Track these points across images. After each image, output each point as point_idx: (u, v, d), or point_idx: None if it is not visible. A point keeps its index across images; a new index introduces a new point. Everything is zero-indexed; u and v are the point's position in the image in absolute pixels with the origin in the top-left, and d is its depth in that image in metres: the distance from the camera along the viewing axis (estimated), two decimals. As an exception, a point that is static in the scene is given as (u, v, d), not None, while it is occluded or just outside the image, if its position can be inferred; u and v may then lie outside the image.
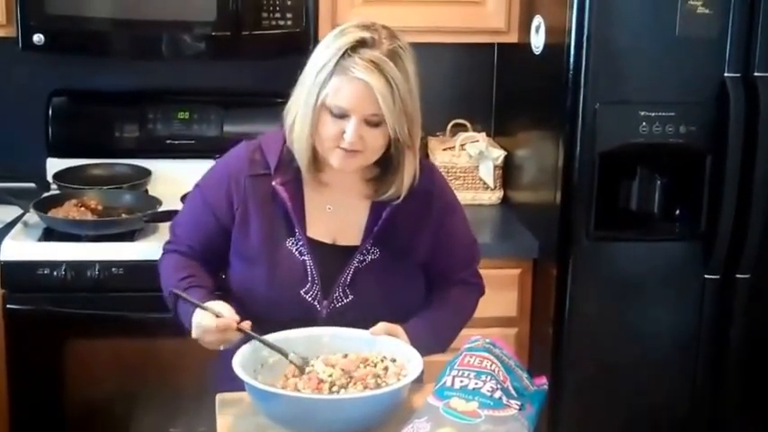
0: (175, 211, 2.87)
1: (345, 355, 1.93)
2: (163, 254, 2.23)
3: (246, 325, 1.94)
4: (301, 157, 2.03)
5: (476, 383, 1.76)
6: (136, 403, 2.77)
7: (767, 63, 2.67)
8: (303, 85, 2.00)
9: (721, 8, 2.64)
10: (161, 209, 2.91)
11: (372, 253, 2.08)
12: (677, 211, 2.82)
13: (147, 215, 2.86)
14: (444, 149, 3.29)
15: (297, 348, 1.94)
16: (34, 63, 3.18)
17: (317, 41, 2.93)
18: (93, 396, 2.80)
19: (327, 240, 2.09)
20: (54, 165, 3.20)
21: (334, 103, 1.95)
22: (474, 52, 3.38)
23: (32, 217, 2.88)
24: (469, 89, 3.46)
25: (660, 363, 2.83)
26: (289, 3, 2.94)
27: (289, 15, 2.95)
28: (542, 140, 2.96)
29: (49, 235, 2.83)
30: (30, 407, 2.80)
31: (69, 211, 2.88)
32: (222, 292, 2.13)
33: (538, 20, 2.93)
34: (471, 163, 3.24)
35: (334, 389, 1.82)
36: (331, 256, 2.07)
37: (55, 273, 2.71)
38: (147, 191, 3.16)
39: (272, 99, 3.24)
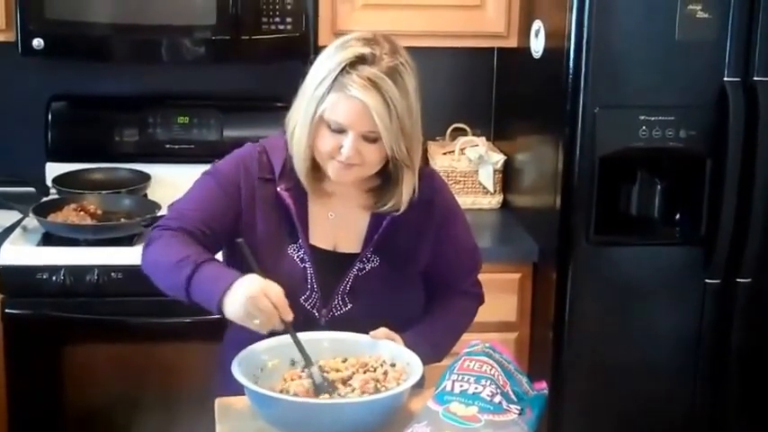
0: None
1: (345, 360, 1.93)
2: (158, 229, 2.06)
3: (289, 321, 1.88)
4: (300, 167, 2.03)
5: (475, 388, 1.75)
6: (135, 408, 2.77)
7: (767, 67, 2.67)
8: (303, 96, 2.00)
9: (721, 12, 2.64)
10: (160, 213, 2.90)
11: (372, 261, 2.08)
12: (677, 216, 2.82)
13: (147, 219, 2.86)
14: (444, 154, 3.29)
15: (297, 353, 1.93)
16: (34, 68, 3.18)
17: (316, 46, 2.97)
18: (93, 401, 2.80)
19: (328, 247, 2.09)
20: (53, 169, 3.20)
21: (331, 118, 1.94)
22: (474, 56, 3.39)
23: (32, 221, 2.89)
24: (469, 93, 3.47)
25: (660, 367, 2.83)
26: (288, 7, 2.95)
27: (288, 20, 2.95)
28: (542, 145, 2.96)
29: (49, 239, 2.83)
30: (29, 412, 2.80)
31: (68, 215, 2.89)
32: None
33: (537, 24, 2.93)
34: (471, 167, 3.24)
35: (323, 396, 1.82)
36: (331, 264, 2.07)
37: (54, 277, 2.71)
38: (146, 195, 3.16)
39: (272, 103, 3.26)
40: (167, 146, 3.26)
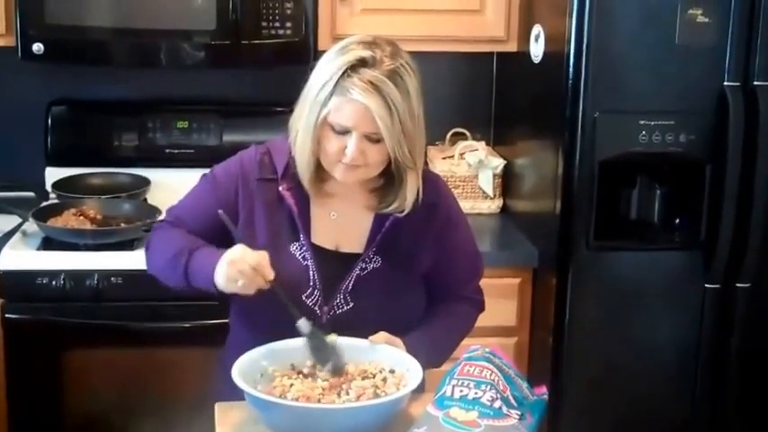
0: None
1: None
2: (155, 230, 2.18)
3: (271, 279, 1.94)
4: (303, 171, 2.04)
5: (475, 393, 1.75)
6: (135, 413, 2.76)
7: (767, 72, 2.67)
8: (305, 101, 2.01)
9: (721, 17, 2.64)
10: (160, 218, 2.90)
11: (374, 261, 2.08)
12: (677, 221, 2.82)
13: (147, 224, 2.85)
14: (444, 158, 3.29)
15: (296, 357, 1.94)
16: (34, 72, 3.18)
17: (316, 51, 2.97)
18: (92, 405, 2.80)
19: (330, 247, 2.10)
20: (53, 174, 3.20)
21: (335, 120, 1.96)
22: (473, 61, 3.39)
23: (31, 226, 2.88)
24: (469, 98, 3.47)
25: (660, 372, 2.83)
26: (288, 12, 2.95)
27: (288, 25, 2.96)
28: (542, 149, 2.96)
29: (48, 244, 2.82)
30: (28, 416, 2.80)
31: (68, 220, 2.88)
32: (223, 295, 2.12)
33: (537, 29, 2.93)
34: (471, 172, 3.24)
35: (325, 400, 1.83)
36: (333, 263, 2.08)
37: (54, 282, 2.71)
38: (146, 200, 3.16)
39: (272, 108, 3.26)
40: (167, 150, 3.27)
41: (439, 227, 2.13)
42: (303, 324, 1.95)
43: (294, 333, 1.97)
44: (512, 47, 3.13)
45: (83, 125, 3.29)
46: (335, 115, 1.95)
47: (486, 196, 3.26)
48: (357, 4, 3.03)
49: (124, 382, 2.79)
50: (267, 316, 2.00)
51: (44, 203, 3.06)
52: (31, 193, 3.14)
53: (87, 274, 2.72)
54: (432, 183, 2.14)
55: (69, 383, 2.79)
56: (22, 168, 3.24)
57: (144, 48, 2.99)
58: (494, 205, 3.27)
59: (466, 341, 2.10)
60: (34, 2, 2.85)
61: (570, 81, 2.69)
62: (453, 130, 3.41)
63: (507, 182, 3.27)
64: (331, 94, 1.94)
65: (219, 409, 1.95)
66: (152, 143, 3.26)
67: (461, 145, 3.30)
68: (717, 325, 2.81)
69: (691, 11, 2.63)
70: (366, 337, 1.98)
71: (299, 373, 1.93)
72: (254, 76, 3.27)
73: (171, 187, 3.15)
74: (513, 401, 1.77)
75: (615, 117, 2.68)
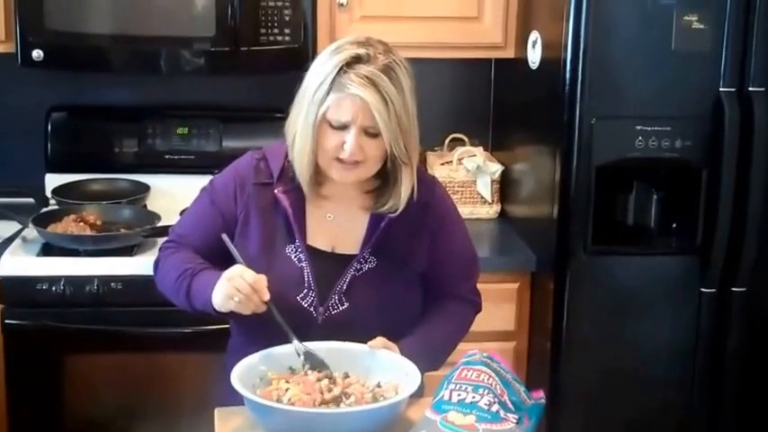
0: (174, 226, 2.89)
1: (347, 376, 1.94)
2: (162, 251, 2.22)
3: (266, 300, 1.96)
4: (302, 173, 2.07)
5: (473, 397, 1.76)
6: (135, 418, 2.77)
7: (762, 78, 2.68)
8: (302, 102, 2.04)
9: (716, 23, 2.66)
10: (160, 224, 2.91)
11: (370, 262, 2.10)
12: (674, 225, 2.83)
13: (146, 230, 2.87)
14: (442, 164, 3.30)
15: (294, 363, 1.95)
16: (33, 79, 3.18)
17: (315, 57, 2.96)
18: (92, 411, 2.80)
19: (326, 248, 2.12)
20: (53, 180, 3.21)
21: (333, 117, 1.99)
22: (471, 67, 3.40)
23: (31, 232, 2.89)
24: (467, 104, 3.48)
25: (657, 376, 2.83)
26: (287, 19, 2.96)
27: (287, 31, 2.97)
28: (539, 155, 2.97)
29: (48, 250, 2.83)
30: (28, 422, 2.80)
31: (68, 226, 2.89)
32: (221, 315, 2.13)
33: (534, 35, 2.95)
34: (469, 177, 3.25)
35: (328, 396, 1.84)
36: (329, 264, 2.09)
37: (54, 288, 2.72)
38: (145, 206, 3.17)
39: (271, 114, 3.26)
40: (167, 156, 3.27)
41: (433, 227, 2.15)
42: (297, 346, 1.96)
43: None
44: (509, 53, 3.14)
45: (83, 131, 3.30)
46: (334, 111, 1.98)
47: (484, 201, 3.27)
48: (356, 10, 3.04)
49: (124, 387, 2.79)
50: (265, 330, 2.01)
51: (44, 209, 3.07)
52: (31, 200, 3.14)
53: (87, 279, 2.73)
54: (427, 184, 2.17)
55: (69, 389, 2.79)
56: (22, 174, 3.25)
57: (143, 54, 3.00)
58: (492, 210, 3.28)
59: (464, 345, 2.10)
60: (34, 8, 2.86)
61: (567, 87, 2.70)
62: (452, 136, 3.42)
63: (505, 187, 3.28)
64: (328, 92, 1.97)
65: (219, 414, 1.96)
66: (152, 149, 3.27)
67: (460, 150, 3.32)
68: (713, 329, 2.82)
69: (686, 17, 2.64)
70: (362, 338, 1.99)
71: (296, 373, 1.93)
72: (254, 83, 3.28)
73: (171, 193, 3.18)
74: (510, 405, 1.78)
75: (612, 123, 2.69)
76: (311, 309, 2.07)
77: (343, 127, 1.99)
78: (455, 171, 3.27)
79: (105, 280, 2.73)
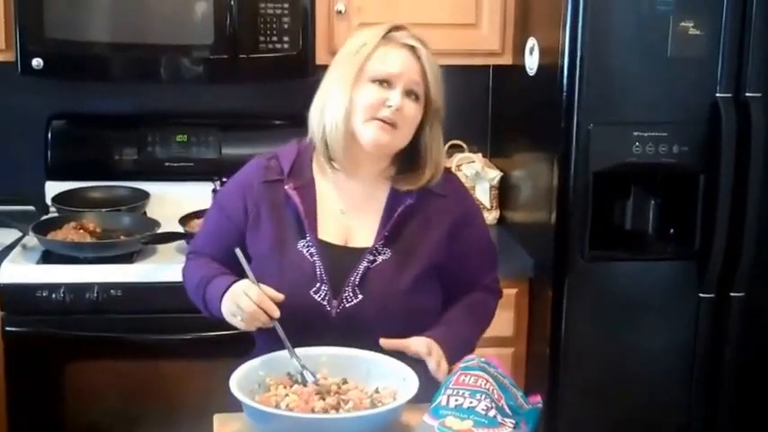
0: (173, 233, 2.90)
1: (345, 382, 1.94)
2: (186, 260, 2.28)
3: (276, 317, 1.97)
4: (337, 139, 2.08)
5: (471, 402, 1.77)
6: (135, 425, 2.78)
7: (758, 83, 2.70)
8: (337, 69, 2.10)
9: (713, 29, 2.67)
10: (159, 231, 2.92)
11: (383, 254, 2.10)
12: (671, 230, 2.84)
13: (146, 237, 2.88)
14: (441, 170, 3.31)
15: (292, 367, 1.95)
16: (33, 87, 3.19)
17: (313, 64, 2.99)
18: (93, 418, 2.80)
19: (339, 242, 2.12)
20: (53, 188, 3.22)
21: (381, 69, 2.05)
22: (470, 74, 3.41)
23: (31, 240, 2.90)
24: (465, 110, 3.47)
25: (655, 381, 2.83)
26: (285, 26, 2.97)
27: (285, 39, 2.98)
28: (537, 161, 2.98)
29: (48, 257, 2.84)
30: (29, 429, 2.80)
31: (68, 233, 2.90)
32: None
33: (532, 42, 2.96)
34: (468, 183, 3.26)
35: (323, 404, 1.84)
36: (342, 258, 2.10)
37: (54, 295, 2.72)
38: (145, 213, 3.18)
39: (270, 121, 3.29)
40: (166, 164, 3.28)
41: (452, 221, 2.15)
42: (296, 364, 1.96)
43: (301, 327, 2.00)
44: (507, 60, 3.15)
45: (82, 139, 3.31)
46: (382, 63, 2.05)
47: (483, 207, 3.27)
48: (354, 18, 3.05)
49: (124, 394, 2.80)
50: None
51: (44, 217, 3.08)
52: (31, 207, 3.15)
53: (87, 286, 2.73)
54: (447, 177, 2.19)
55: (70, 396, 2.79)
56: (22, 182, 3.26)
57: (143, 62, 3.01)
58: (491, 216, 3.29)
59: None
60: (34, 17, 2.87)
61: (564, 93, 2.71)
62: (450, 143, 3.41)
63: (504, 193, 3.29)
64: (377, 46, 2.06)
65: (218, 420, 1.97)
66: (151, 157, 3.28)
67: (458, 157, 3.32)
68: (711, 334, 2.82)
69: (683, 23, 2.65)
70: (377, 331, 1.99)
71: (296, 382, 1.94)
72: (253, 90, 3.29)
73: (170, 200, 3.18)
74: (507, 410, 1.78)
75: (609, 128, 2.70)
76: (325, 302, 2.06)
77: (387, 84, 2.04)
78: (454, 177, 3.27)
79: (105, 287, 2.74)
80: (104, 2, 2.97)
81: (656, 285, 2.79)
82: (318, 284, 2.07)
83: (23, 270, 2.77)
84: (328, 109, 2.08)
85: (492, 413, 1.75)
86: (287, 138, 2.25)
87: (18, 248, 2.90)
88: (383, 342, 1.99)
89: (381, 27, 2.10)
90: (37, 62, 2.89)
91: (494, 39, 3.12)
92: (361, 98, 2.05)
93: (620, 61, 2.67)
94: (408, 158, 2.14)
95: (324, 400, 1.86)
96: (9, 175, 3.27)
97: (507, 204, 3.28)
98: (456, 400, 1.77)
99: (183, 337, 2.72)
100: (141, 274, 2.76)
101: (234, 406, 1.88)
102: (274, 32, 2.96)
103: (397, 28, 2.10)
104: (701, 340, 2.82)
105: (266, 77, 3.05)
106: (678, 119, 2.71)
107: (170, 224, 2.96)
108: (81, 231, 2.92)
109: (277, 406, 1.84)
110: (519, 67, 3.05)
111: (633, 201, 2.81)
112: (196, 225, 2.95)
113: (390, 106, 2.03)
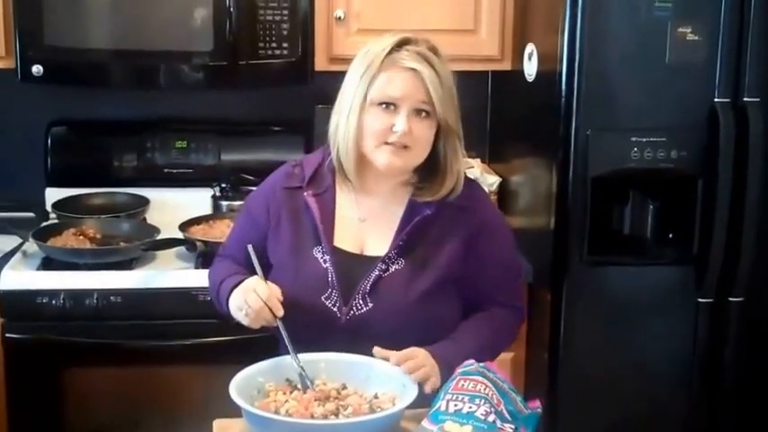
0: (173, 239, 2.91)
1: (344, 387, 1.95)
2: (213, 264, 2.32)
3: (280, 315, 1.99)
4: (349, 161, 2.09)
5: (470, 407, 1.77)
6: (135, 431, 2.77)
7: (756, 88, 2.70)
8: (346, 91, 2.09)
9: (711, 35, 2.67)
10: (159, 237, 2.93)
11: (397, 263, 2.10)
12: (670, 235, 2.84)
13: (146, 243, 2.88)
14: (440, 176, 3.31)
15: (292, 373, 1.96)
16: (33, 94, 3.20)
17: (313, 71, 3.00)
18: (92, 425, 2.81)
19: (355, 250, 2.13)
20: (53, 194, 3.22)
21: (384, 93, 2.03)
22: (468, 79, 3.34)
23: (31, 246, 2.90)
24: (464, 116, 3.40)
25: (654, 385, 2.83)
26: (285, 33, 2.97)
27: (285, 45, 2.98)
28: (536, 166, 2.99)
29: (48, 264, 2.84)
30: (29, 435, 2.81)
31: (68, 239, 2.90)
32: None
33: (530, 47, 2.97)
34: (466, 189, 3.26)
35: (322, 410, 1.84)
36: (355, 265, 2.10)
37: (54, 301, 2.72)
38: (145, 219, 3.18)
39: (269, 128, 3.29)
40: (166, 170, 3.29)
41: (469, 232, 2.13)
42: (296, 368, 1.97)
43: (310, 331, 2.02)
44: (506, 65, 3.16)
45: (82, 146, 3.32)
46: (386, 88, 2.03)
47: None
48: (353, 24, 3.06)
49: (124, 400, 2.79)
50: (287, 315, 2.01)
51: (44, 223, 3.08)
52: (32, 214, 3.15)
53: (87, 293, 2.73)
54: (469, 188, 2.18)
55: (69, 402, 2.79)
56: (22, 189, 3.27)
57: (142, 69, 3.02)
58: (489, 222, 3.29)
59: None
60: (33, 24, 2.88)
61: (563, 99, 2.71)
62: (449, 148, 3.43)
63: (503, 199, 3.29)
64: (379, 70, 2.03)
65: (218, 426, 1.97)
66: (151, 163, 3.29)
67: (457, 162, 3.32)
68: (710, 339, 2.82)
69: (681, 29, 2.66)
70: (387, 340, 1.98)
71: (295, 387, 1.95)
72: (252, 96, 3.29)
73: (170, 206, 3.19)
74: (506, 415, 1.79)
75: (607, 134, 2.70)
76: (335, 309, 2.07)
77: (393, 107, 2.03)
78: (453, 183, 3.27)
79: (105, 293, 2.74)
80: (104, 9, 2.98)
81: (655, 290, 2.79)
82: (330, 290, 2.08)
83: (24, 276, 2.77)
84: (339, 133, 2.09)
85: (491, 418, 1.76)
86: (286, 144, 2.27)
87: (18, 255, 2.91)
88: (375, 351, 1.98)
89: (388, 42, 2.06)
90: (37, 69, 2.90)
91: (493, 44, 3.13)
92: (368, 124, 2.05)
93: (619, 67, 2.68)
94: (428, 169, 2.13)
95: (323, 405, 1.86)
96: (9, 181, 3.28)
97: (506, 210, 3.27)
98: (455, 405, 1.78)
99: (182, 342, 2.72)
100: (141, 280, 2.76)
101: (233, 412, 1.88)
102: (273, 39, 2.97)
103: (404, 42, 2.06)
104: (699, 345, 2.82)
105: (265, 84, 3.05)
106: (676, 124, 2.71)
107: (170, 230, 2.96)
108: (81, 238, 2.92)
109: (276, 412, 1.84)
110: (518, 73, 3.06)
111: (632, 206, 2.81)
112: (196, 231, 2.96)
113: (397, 132, 2.03)
